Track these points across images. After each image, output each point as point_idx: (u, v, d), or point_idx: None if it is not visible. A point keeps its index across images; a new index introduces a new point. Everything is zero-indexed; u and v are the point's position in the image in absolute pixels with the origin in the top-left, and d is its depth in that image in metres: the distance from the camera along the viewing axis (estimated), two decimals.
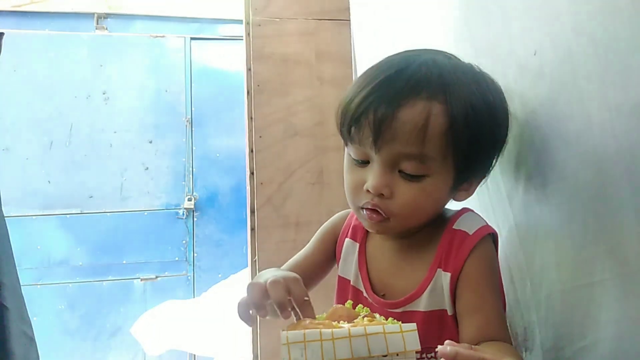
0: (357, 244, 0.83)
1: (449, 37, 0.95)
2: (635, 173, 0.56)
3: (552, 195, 0.72)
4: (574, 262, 0.68)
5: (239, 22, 1.91)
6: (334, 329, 0.56)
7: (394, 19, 1.21)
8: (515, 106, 0.77)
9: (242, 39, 1.84)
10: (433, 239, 0.75)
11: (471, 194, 0.76)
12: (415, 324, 0.56)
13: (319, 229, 0.90)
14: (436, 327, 0.73)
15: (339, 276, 0.84)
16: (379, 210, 0.70)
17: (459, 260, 0.71)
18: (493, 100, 0.71)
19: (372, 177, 0.70)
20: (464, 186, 0.74)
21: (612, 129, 0.59)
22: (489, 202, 0.87)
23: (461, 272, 0.71)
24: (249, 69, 1.78)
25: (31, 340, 1.20)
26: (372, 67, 0.74)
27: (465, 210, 0.77)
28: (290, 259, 0.88)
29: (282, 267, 0.84)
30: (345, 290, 0.83)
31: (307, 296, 0.65)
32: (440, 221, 0.77)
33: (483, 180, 0.77)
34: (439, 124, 0.66)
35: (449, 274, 0.71)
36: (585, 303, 0.66)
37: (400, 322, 0.58)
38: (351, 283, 0.81)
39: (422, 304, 0.73)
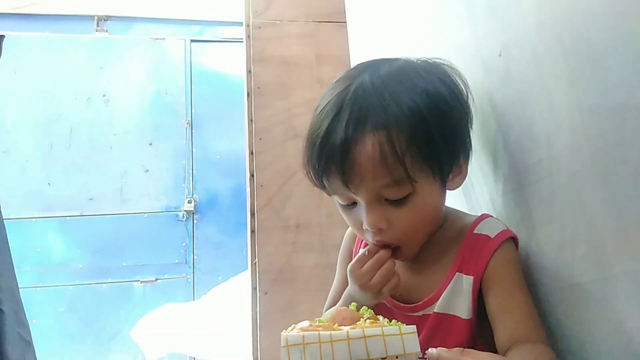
0: None
1: (427, 40, 0.95)
2: (610, 175, 0.55)
3: (529, 197, 0.72)
4: (554, 265, 0.68)
5: (239, 24, 1.91)
6: (332, 332, 0.55)
7: (383, 21, 1.22)
8: (484, 107, 0.77)
9: (242, 42, 1.84)
10: (451, 243, 0.76)
11: (465, 175, 0.76)
12: (414, 326, 0.56)
13: (339, 257, 0.91)
14: (443, 331, 0.73)
15: None
16: (387, 242, 0.73)
17: (481, 263, 0.71)
18: (436, 90, 0.71)
19: (365, 217, 0.71)
20: (452, 176, 0.74)
21: (585, 131, 0.58)
22: (477, 204, 0.87)
23: (484, 275, 0.71)
24: (249, 71, 1.78)
25: (28, 343, 1.20)
26: (316, 109, 0.76)
27: (485, 215, 0.78)
28: (329, 295, 0.90)
29: (326, 306, 0.87)
30: None
31: None
32: (459, 225, 0.77)
33: (469, 159, 0.76)
34: (392, 149, 0.67)
35: (471, 277, 0.72)
36: (567, 305, 0.67)
37: (400, 324, 0.58)
38: None
39: (436, 307, 0.74)
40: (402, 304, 0.77)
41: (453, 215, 0.81)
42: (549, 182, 0.66)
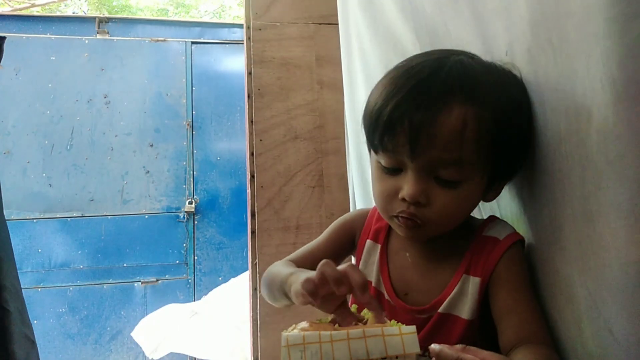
0: (379, 246, 0.81)
1: (430, 38, 0.96)
2: (588, 180, 0.56)
3: (526, 196, 0.73)
4: (553, 264, 0.68)
5: (240, 26, 1.92)
6: (332, 332, 0.55)
7: (376, 21, 1.22)
8: None
9: (242, 43, 1.85)
10: (459, 245, 0.75)
11: (499, 194, 0.75)
12: (414, 326, 0.56)
13: (336, 221, 0.88)
14: (445, 330, 0.73)
15: None
16: (415, 218, 0.69)
17: (489, 265, 0.71)
18: (519, 98, 0.70)
19: (408, 185, 0.68)
20: (494, 187, 0.74)
21: (559, 133, 0.59)
22: (481, 204, 0.88)
23: (492, 277, 0.71)
24: (249, 73, 1.79)
25: (32, 343, 1.20)
26: (398, 70, 0.71)
27: (492, 218, 0.77)
28: (302, 248, 0.86)
29: (292, 256, 0.84)
30: None
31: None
32: (467, 227, 0.76)
33: (509, 180, 0.76)
34: (474, 128, 0.65)
35: (478, 279, 0.71)
36: (561, 305, 0.67)
37: (400, 325, 0.58)
38: (372, 285, 0.80)
39: (441, 308, 0.73)
40: (408, 306, 0.76)
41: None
42: (542, 183, 0.67)
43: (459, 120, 0.64)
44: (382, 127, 0.68)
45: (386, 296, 0.78)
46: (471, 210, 0.74)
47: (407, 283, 0.77)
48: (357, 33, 1.35)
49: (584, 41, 0.54)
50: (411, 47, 1.02)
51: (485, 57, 0.75)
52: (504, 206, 0.81)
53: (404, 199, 0.68)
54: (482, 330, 0.72)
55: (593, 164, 0.54)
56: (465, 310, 0.71)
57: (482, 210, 0.86)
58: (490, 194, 0.74)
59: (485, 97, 0.66)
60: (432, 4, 0.95)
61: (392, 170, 0.70)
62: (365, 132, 0.72)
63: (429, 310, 0.73)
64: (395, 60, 0.76)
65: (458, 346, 0.57)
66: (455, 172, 0.66)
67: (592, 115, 0.53)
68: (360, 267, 0.83)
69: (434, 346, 0.57)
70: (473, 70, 0.69)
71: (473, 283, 0.71)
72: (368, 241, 0.82)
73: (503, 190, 0.75)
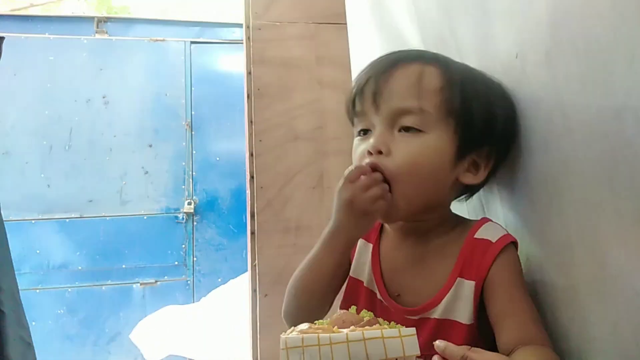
0: (371, 245, 0.82)
1: (437, 41, 0.95)
2: (615, 178, 0.55)
3: (536, 198, 0.72)
4: (556, 265, 0.69)
5: (239, 26, 1.91)
6: (331, 334, 0.55)
7: (385, 21, 1.21)
8: None
9: (242, 43, 1.84)
10: (451, 246, 0.75)
11: (479, 179, 0.76)
12: (414, 328, 0.56)
13: None
14: (443, 336, 0.71)
15: (350, 276, 0.83)
16: (378, 169, 0.71)
17: (482, 268, 0.71)
18: (490, 85, 0.75)
19: (372, 138, 0.73)
20: (468, 162, 0.74)
21: (592, 134, 0.59)
22: (478, 203, 0.87)
23: (486, 280, 0.71)
24: (249, 73, 1.78)
25: (28, 345, 1.20)
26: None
27: (485, 220, 0.77)
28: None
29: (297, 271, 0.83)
30: (356, 292, 0.82)
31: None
32: (459, 229, 0.77)
33: (491, 163, 0.76)
34: (432, 80, 0.72)
35: (472, 282, 0.71)
36: (568, 305, 0.67)
37: (399, 327, 0.57)
38: (365, 284, 0.81)
39: (437, 312, 0.73)
40: (400, 306, 0.76)
41: (452, 218, 0.80)
42: (555, 184, 0.66)
43: (415, 72, 0.72)
44: (354, 93, 0.76)
45: (378, 296, 0.79)
46: (438, 173, 0.73)
47: (399, 284, 0.78)
48: (368, 34, 1.34)
49: (619, 43, 0.53)
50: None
51: (493, 60, 0.76)
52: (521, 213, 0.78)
53: (369, 152, 0.73)
54: (481, 332, 0.72)
55: None
56: (463, 315, 0.71)
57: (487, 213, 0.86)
58: (466, 174, 0.74)
59: (446, 63, 0.75)
60: (438, 7, 0.94)
61: (364, 132, 0.76)
62: (346, 107, 0.79)
63: (420, 311, 0.74)
64: None
65: (464, 346, 0.58)
66: (416, 120, 0.71)
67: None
68: (352, 266, 0.83)
69: (439, 342, 0.57)
70: (442, 54, 0.79)
71: (468, 287, 0.71)
72: (360, 240, 0.83)
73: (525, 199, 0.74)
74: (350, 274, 0.83)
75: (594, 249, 0.60)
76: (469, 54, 0.83)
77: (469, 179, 0.75)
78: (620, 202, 0.55)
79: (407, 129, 0.72)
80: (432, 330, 0.72)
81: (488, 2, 0.78)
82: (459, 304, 0.72)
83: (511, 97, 0.75)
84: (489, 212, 0.86)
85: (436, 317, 0.73)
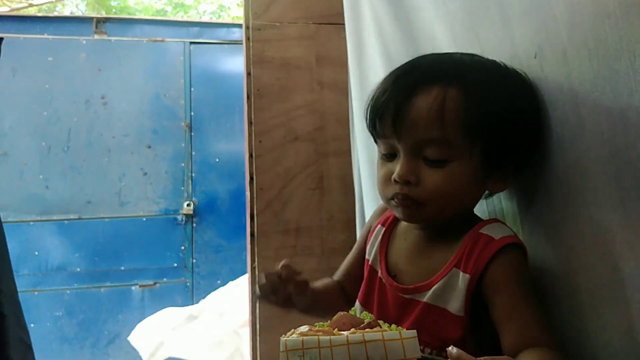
0: (384, 229, 0.87)
1: (455, 41, 0.95)
2: (622, 180, 0.55)
3: (552, 200, 0.72)
4: (572, 269, 0.68)
5: (239, 26, 1.90)
6: (332, 336, 0.55)
7: (395, 22, 1.20)
8: None
9: (241, 44, 1.84)
10: (456, 237, 0.76)
11: (509, 186, 0.78)
12: (415, 330, 0.56)
13: (362, 229, 0.97)
14: (432, 322, 0.73)
15: (365, 259, 0.88)
16: (409, 198, 0.73)
17: (480, 263, 0.71)
18: (515, 92, 0.73)
19: (398, 166, 0.73)
20: (496, 176, 0.75)
21: (602, 134, 0.59)
22: (483, 202, 0.87)
23: (485, 277, 0.71)
24: (248, 74, 1.77)
25: (28, 347, 1.20)
26: (399, 67, 0.79)
27: (495, 220, 0.78)
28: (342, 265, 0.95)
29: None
30: (363, 270, 0.88)
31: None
32: (469, 223, 0.77)
33: (518, 174, 0.77)
34: (454, 107, 0.70)
35: (467, 276, 0.71)
36: (582, 309, 0.66)
37: (400, 329, 0.57)
38: (369, 263, 0.85)
39: (427, 296, 0.74)
40: (395, 283, 0.79)
41: (470, 214, 0.81)
42: (568, 186, 0.66)
43: (437, 100, 0.70)
44: (373, 114, 0.76)
45: (379, 274, 0.83)
46: (469, 195, 0.77)
47: (398, 264, 0.82)
48: (374, 31, 1.32)
49: (624, 42, 0.53)
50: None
51: (513, 60, 0.76)
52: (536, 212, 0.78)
53: (395, 181, 0.73)
54: (473, 328, 0.72)
55: None
56: (454, 306, 0.72)
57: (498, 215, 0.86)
58: (495, 185, 0.76)
59: (468, 81, 0.72)
60: (462, 9, 0.94)
61: (388, 156, 0.76)
62: (367, 124, 0.79)
63: (412, 291, 0.76)
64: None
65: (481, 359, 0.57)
66: (440, 151, 0.71)
67: None
68: (367, 248, 0.89)
69: (451, 349, 0.57)
70: (459, 61, 0.76)
71: (463, 279, 0.72)
72: (378, 226, 0.88)
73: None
74: (365, 255, 0.88)
75: (607, 252, 0.60)
76: (490, 54, 0.83)
77: (499, 188, 0.78)
78: (628, 204, 0.54)
79: (432, 161, 0.72)
80: (421, 313, 0.74)
81: (507, 2, 0.78)
82: (452, 293, 0.72)
83: (533, 90, 0.74)
84: (506, 212, 0.85)
85: (426, 301, 0.74)
